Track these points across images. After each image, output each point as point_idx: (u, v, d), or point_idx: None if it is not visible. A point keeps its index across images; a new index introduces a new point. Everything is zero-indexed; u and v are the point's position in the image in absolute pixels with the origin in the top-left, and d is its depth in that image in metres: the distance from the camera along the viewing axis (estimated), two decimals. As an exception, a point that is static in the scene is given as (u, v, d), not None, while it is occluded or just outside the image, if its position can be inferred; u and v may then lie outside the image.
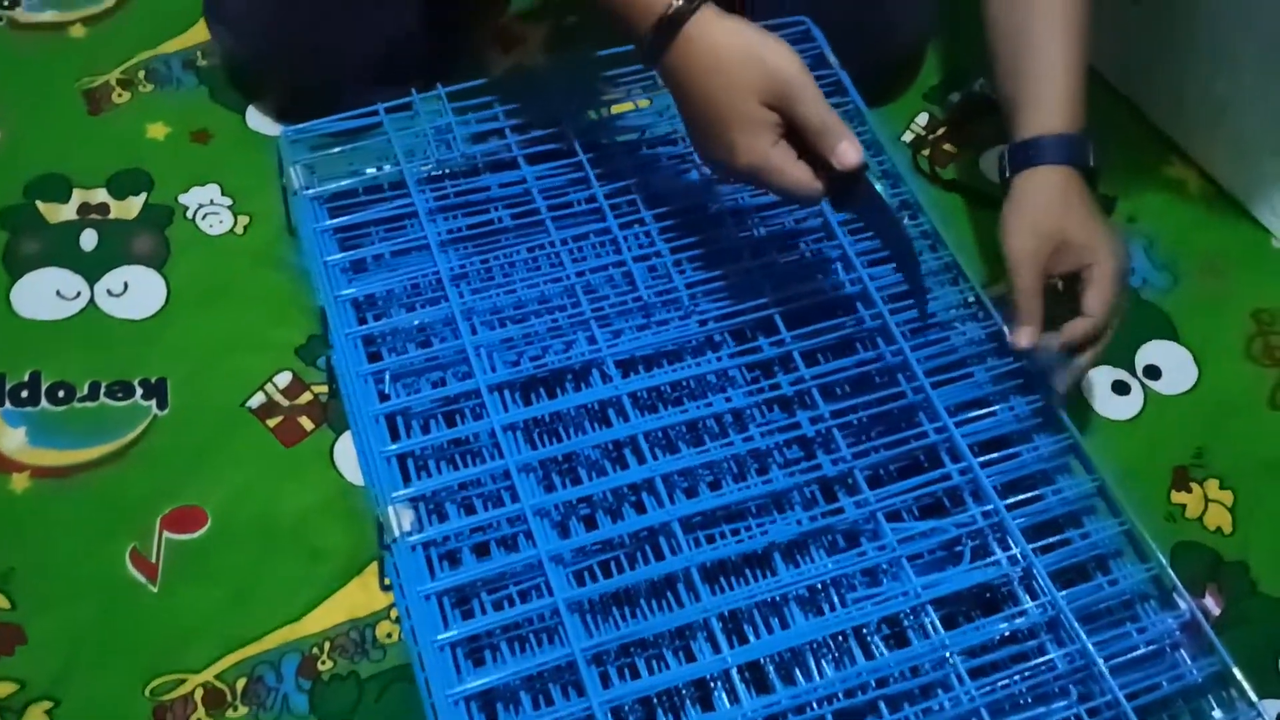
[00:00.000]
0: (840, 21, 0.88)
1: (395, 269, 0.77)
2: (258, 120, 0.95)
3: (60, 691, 0.70)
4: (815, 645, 0.67)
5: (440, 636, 0.61)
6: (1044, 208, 0.77)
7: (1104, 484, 0.71)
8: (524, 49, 1.02)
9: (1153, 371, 0.90)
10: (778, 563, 0.69)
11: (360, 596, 0.74)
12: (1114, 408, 0.88)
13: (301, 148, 0.81)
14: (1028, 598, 0.68)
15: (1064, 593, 0.67)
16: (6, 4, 1.00)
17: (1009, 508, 0.69)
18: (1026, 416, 0.74)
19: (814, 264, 0.80)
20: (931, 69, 1.06)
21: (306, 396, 0.81)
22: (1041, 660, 0.65)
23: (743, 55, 0.64)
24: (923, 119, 1.03)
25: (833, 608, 0.67)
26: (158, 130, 0.94)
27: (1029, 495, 0.71)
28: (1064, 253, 0.76)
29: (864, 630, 0.68)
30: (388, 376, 0.72)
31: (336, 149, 0.80)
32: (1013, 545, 0.68)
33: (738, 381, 0.76)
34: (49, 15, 1.00)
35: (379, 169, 0.81)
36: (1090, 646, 0.64)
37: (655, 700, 0.64)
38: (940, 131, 1.02)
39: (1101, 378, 0.89)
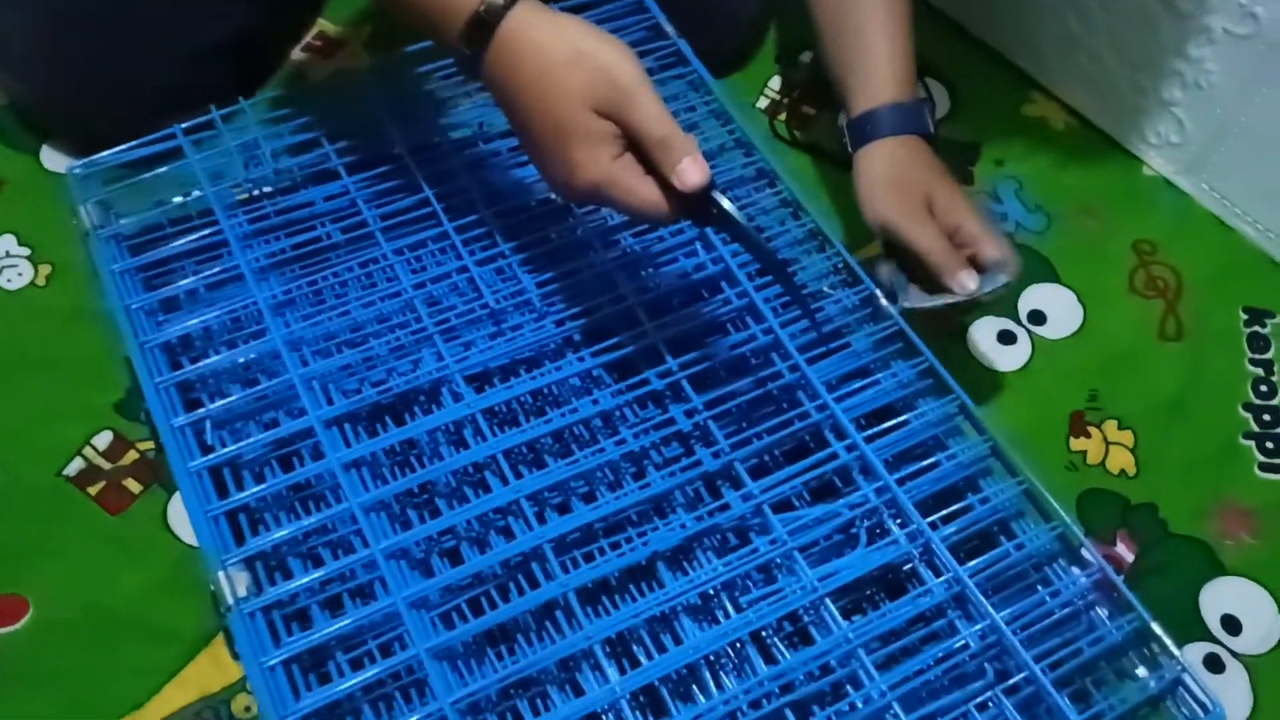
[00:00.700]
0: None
1: (214, 304, 0.70)
2: (54, 160, 0.86)
3: None
4: (713, 657, 0.61)
5: (289, 710, 0.54)
6: (902, 173, 0.75)
7: (996, 444, 0.67)
8: (346, 53, 0.95)
9: (1037, 317, 0.87)
10: (663, 573, 0.63)
11: (212, 671, 0.66)
12: (1002, 359, 0.84)
13: (94, 183, 0.73)
14: (932, 575, 0.63)
15: (968, 565, 0.62)
16: None
17: (901, 480, 0.65)
18: (911, 382, 0.70)
19: (671, 248, 0.74)
20: (781, 32, 1.01)
21: (132, 456, 0.74)
22: (953, 640, 0.60)
23: (569, 57, 0.55)
24: (776, 83, 0.98)
25: (728, 614, 0.62)
26: (-60, 181, 0.85)
27: (922, 465, 0.66)
28: (934, 212, 0.73)
29: (763, 634, 0.62)
30: (209, 425, 0.64)
31: (133, 180, 0.72)
32: (911, 521, 0.64)
33: (604, 382, 0.71)
34: None
35: (187, 196, 0.73)
36: (998, 618, 0.60)
37: (544, 745, 0.58)
38: (796, 94, 0.97)
39: (986, 329, 0.85)
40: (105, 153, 0.72)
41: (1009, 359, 0.84)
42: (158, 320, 0.69)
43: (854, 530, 0.65)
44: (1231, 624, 0.74)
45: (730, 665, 0.62)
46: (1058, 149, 0.95)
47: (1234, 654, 0.73)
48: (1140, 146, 0.95)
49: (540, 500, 0.66)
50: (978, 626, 0.61)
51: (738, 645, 0.61)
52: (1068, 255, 0.90)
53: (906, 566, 0.65)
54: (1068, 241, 0.91)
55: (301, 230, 0.73)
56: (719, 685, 0.60)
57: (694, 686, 0.61)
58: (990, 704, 0.59)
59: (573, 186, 0.56)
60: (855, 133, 0.77)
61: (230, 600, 0.57)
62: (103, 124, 0.81)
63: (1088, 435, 0.82)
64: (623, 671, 0.59)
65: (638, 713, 0.60)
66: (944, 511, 0.65)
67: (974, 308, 0.73)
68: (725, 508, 0.65)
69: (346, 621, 0.58)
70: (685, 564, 0.64)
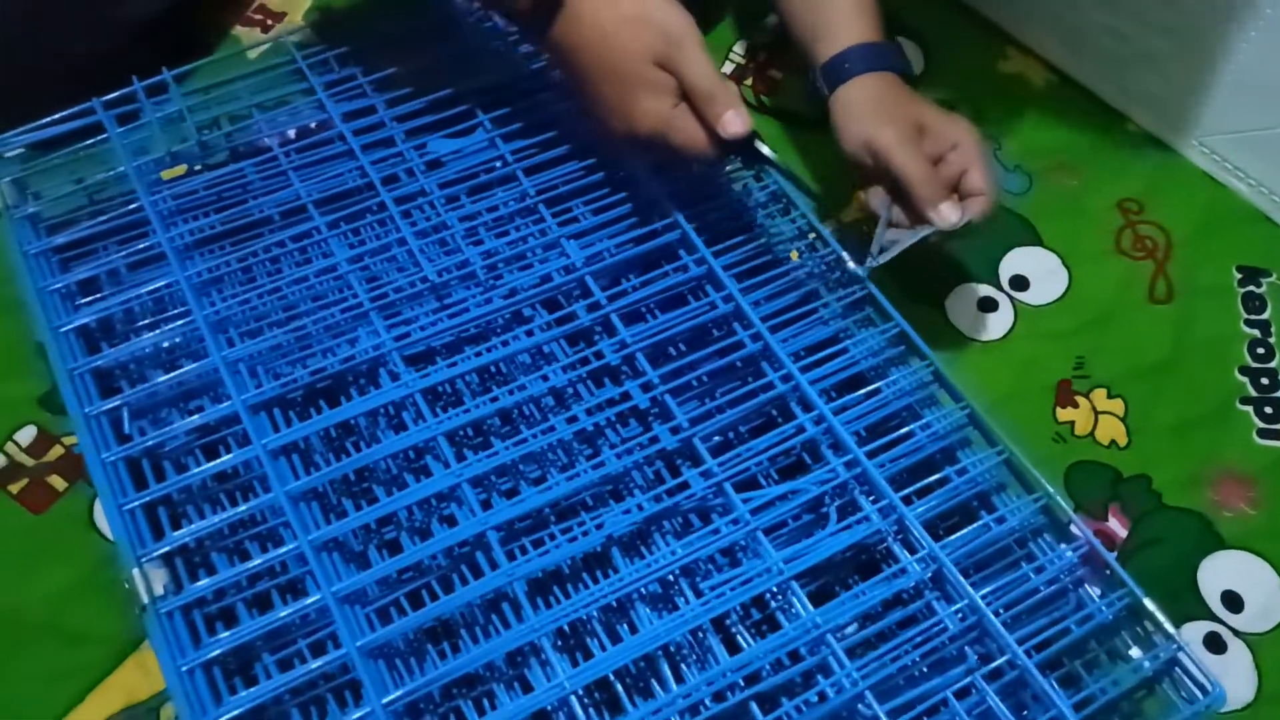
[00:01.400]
0: None
1: (137, 286, 0.65)
2: (-23, 144, 0.81)
3: None
4: (672, 648, 0.57)
5: (208, 716, 0.50)
6: (886, 101, 0.69)
7: (973, 410, 0.62)
8: (284, 26, 0.90)
9: (1019, 282, 0.82)
10: (619, 560, 0.59)
11: (137, 677, 0.62)
12: (983, 327, 0.80)
13: (13, 164, 0.69)
14: (907, 554, 0.59)
15: (946, 541, 0.58)
16: None
17: (873, 454, 0.60)
18: (882, 349, 0.66)
19: (624, 215, 0.69)
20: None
21: (57, 451, 0.69)
22: (930, 623, 0.56)
23: (631, 16, 0.61)
24: (741, 48, 0.93)
25: (688, 601, 0.57)
26: None
27: (895, 436, 0.62)
28: (923, 139, 0.68)
29: (727, 621, 0.58)
30: (126, 413, 0.60)
31: (50, 158, 0.68)
32: (883, 497, 0.59)
33: (555, 357, 0.66)
34: None
35: (108, 174, 0.69)
36: (977, 598, 0.55)
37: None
38: (762, 58, 0.93)
39: (966, 297, 0.81)
40: (18, 130, 0.68)
41: (991, 327, 0.80)
42: (75, 304, 0.64)
43: (824, 510, 0.61)
44: (1233, 600, 0.70)
45: (692, 656, 0.57)
46: (1036, 106, 0.91)
47: (1236, 632, 0.69)
48: (1123, 101, 0.90)
49: (488, 485, 0.61)
50: (956, 607, 0.56)
51: (699, 634, 0.57)
52: (1050, 217, 0.85)
53: (880, 546, 0.61)
54: (1050, 202, 0.86)
55: (230, 206, 0.69)
56: (679, 678, 0.56)
57: (652, 680, 0.56)
58: (972, 690, 0.55)
59: (635, 131, 0.62)
60: (829, 76, 0.72)
61: (145, 599, 0.53)
62: (23, 102, 0.77)
63: (1075, 405, 0.77)
64: (575, 665, 0.54)
65: (591, 710, 0.55)
66: (918, 484, 0.60)
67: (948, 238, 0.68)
68: (684, 487, 0.60)
69: (269, 619, 0.53)
70: (644, 549, 0.60)
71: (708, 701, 0.54)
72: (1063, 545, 0.60)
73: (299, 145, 0.71)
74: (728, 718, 0.54)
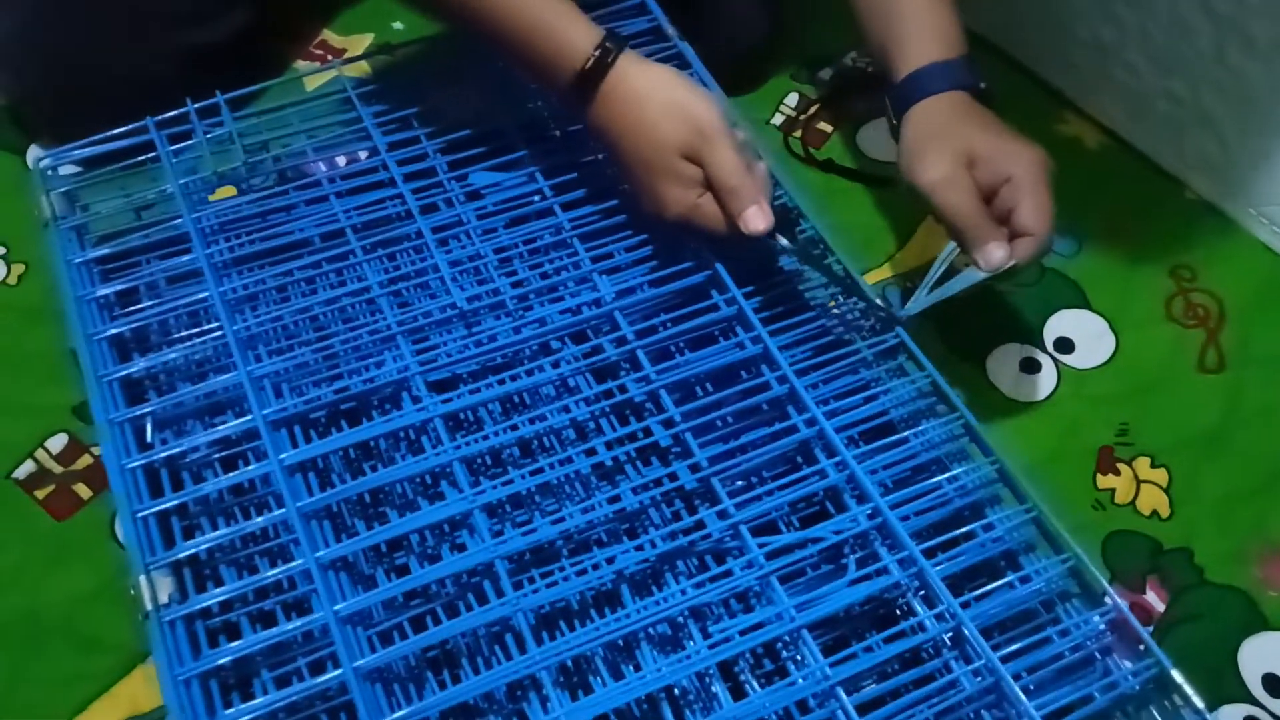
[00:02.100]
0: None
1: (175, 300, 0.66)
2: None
3: None
4: (676, 691, 0.55)
5: (200, 729, 0.49)
6: (941, 130, 0.68)
7: (1003, 466, 0.60)
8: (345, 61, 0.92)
9: (1065, 345, 0.80)
10: (628, 598, 0.57)
11: (144, 688, 0.62)
12: (1025, 388, 0.78)
13: (65, 177, 0.71)
14: (926, 609, 0.57)
15: (968, 598, 0.56)
16: None
17: (897, 505, 0.59)
18: (912, 399, 0.64)
19: (656, 252, 0.69)
20: (797, 51, 0.97)
21: (85, 460, 0.70)
22: (946, 681, 0.54)
23: (664, 108, 0.62)
24: (793, 100, 0.94)
25: (697, 644, 0.56)
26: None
27: (921, 488, 0.60)
28: (975, 170, 0.66)
29: (735, 668, 0.56)
30: (150, 423, 0.60)
31: (99, 173, 0.70)
32: (904, 548, 0.57)
33: (580, 390, 0.66)
34: None
35: (163, 192, 0.70)
36: (996, 660, 0.53)
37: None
38: (812, 110, 0.93)
39: (1008, 357, 0.79)
40: (73, 144, 0.70)
41: (1033, 389, 0.78)
42: (112, 315, 0.65)
43: (843, 560, 0.59)
44: (1274, 684, 0.66)
45: (697, 702, 0.56)
46: (1090, 169, 0.89)
47: (1276, 718, 0.65)
48: (1180, 168, 0.88)
49: (502, 515, 0.61)
50: (974, 667, 0.54)
51: (705, 679, 0.55)
52: (1099, 280, 0.83)
53: (900, 600, 0.59)
54: (1099, 266, 0.84)
55: (272, 227, 0.70)
56: (682, 723, 0.54)
57: (654, 724, 0.55)
58: (987, 756, 0.52)
59: (663, 215, 0.65)
60: (896, 101, 0.71)
61: (149, 605, 0.53)
62: (83, 120, 0.79)
63: (1116, 472, 0.75)
64: (576, 700, 0.53)
65: (589, 751, 0.54)
66: (942, 538, 0.58)
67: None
68: (700, 526, 0.59)
69: (269, 634, 0.53)
70: (655, 588, 0.59)
71: (709, 749, 0.52)
72: (1091, 612, 0.57)
73: (343, 172, 0.72)
74: (730, 768, 0.52)
